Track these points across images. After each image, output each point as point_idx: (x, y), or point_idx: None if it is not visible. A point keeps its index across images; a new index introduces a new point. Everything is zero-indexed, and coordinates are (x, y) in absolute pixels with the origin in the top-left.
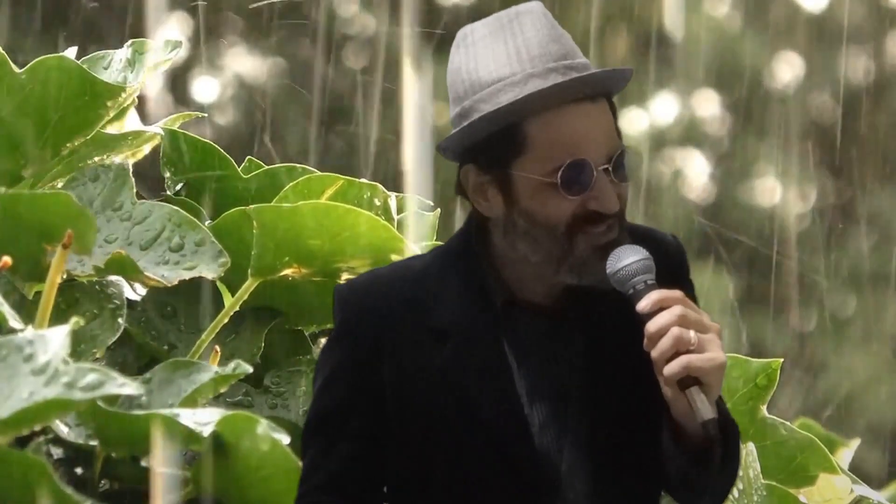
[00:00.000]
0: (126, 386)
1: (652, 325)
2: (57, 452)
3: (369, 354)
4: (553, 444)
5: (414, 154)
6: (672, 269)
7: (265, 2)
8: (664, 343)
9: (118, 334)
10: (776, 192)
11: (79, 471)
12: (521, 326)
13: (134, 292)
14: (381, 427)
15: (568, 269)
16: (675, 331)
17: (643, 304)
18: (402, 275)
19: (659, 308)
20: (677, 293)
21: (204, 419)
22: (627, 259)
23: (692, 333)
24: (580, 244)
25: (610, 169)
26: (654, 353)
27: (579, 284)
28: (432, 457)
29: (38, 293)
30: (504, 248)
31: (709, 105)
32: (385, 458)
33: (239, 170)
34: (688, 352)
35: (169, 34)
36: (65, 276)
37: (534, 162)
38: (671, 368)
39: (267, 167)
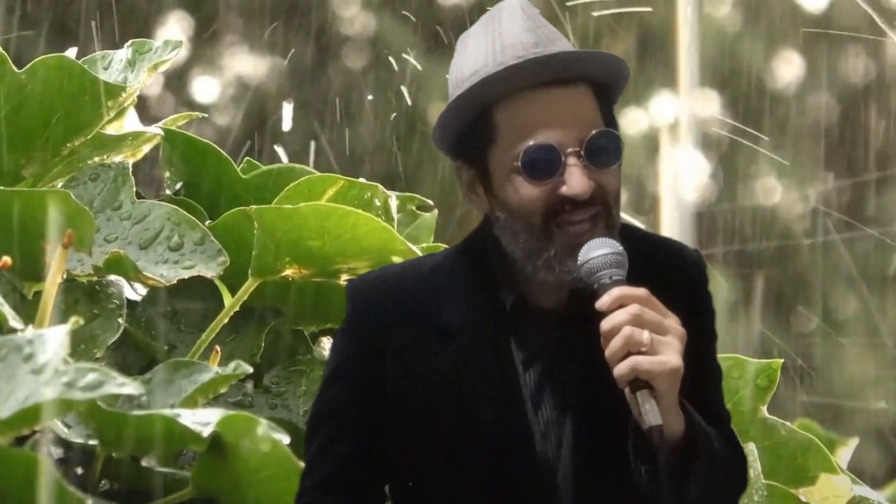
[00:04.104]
0: (126, 386)
1: (605, 324)
2: (57, 452)
3: (374, 349)
4: (553, 451)
5: None
6: (690, 282)
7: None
8: (615, 343)
9: (118, 334)
10: (776, 192)
11: (79, 471)
12: (529, 330)
13: (134, 292)
14: (382, 424)
15: (544, 264)
16: (626, 330)
17: (602, 302)
18: (413, 272)
19: (619, 306)
20: (641, 291)
21: (204, 420)
22: (596, 251)
23: (646, 334)
24: (558, 239)
25: (582, 153)
26: (606, 353)
27: (555, 282)
28: (432, 456)
29: (38, 293)
30: (509, 252)
31: (709, 105)
32: (386, 455)
33: (239, 170)
34: (640, 353)
35: (169, 34)
36: (65, 276)
37: (503, 149)
38: (620, 369)
39: (266, 167)
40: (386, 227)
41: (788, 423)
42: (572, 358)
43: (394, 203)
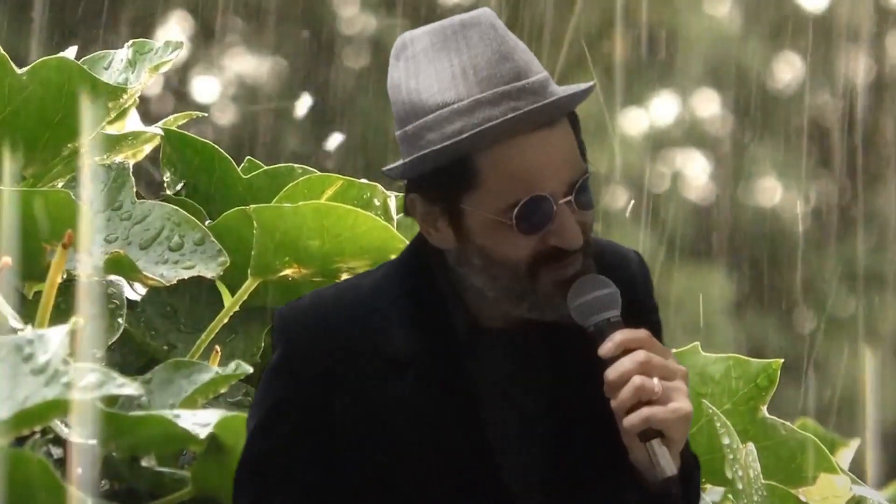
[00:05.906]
0: (126, 386)
1: (612, 373)
2: (57, 452)
3: (318, 388)
4: (518, 477)
5: None
6: (636, 287)
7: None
8: (625, 393)
9: (118, 334)
10: (776, 192)
11: (79, 471)
12: (486, 354)
13: (134, 292)
14: (331, 469)
15: (529, 305)
16: (636, 380)
17: (606, 348)
18: (352, 296)
19: (623, 351)
20: (642, 333)
21: (203, 421)
22: (591, 293)
23: (656, 381)
24: (543, 280)
25: (572, 199)
26: (614, 403)
27: (542, 320)
28: (392, 490)
29: (38, 293)
30: (461, 275)
31: (709, 105)
32: (336, 499)
33: (239, 170)
34: (650, 402)
35: (170, 34)
36: (65, 276)
37: (486, 198)
38: (631, 421)
39: (267, 167)
40: (385, 225)
41: (788, 423)
42: (533, 379)
43: (393, 203)
